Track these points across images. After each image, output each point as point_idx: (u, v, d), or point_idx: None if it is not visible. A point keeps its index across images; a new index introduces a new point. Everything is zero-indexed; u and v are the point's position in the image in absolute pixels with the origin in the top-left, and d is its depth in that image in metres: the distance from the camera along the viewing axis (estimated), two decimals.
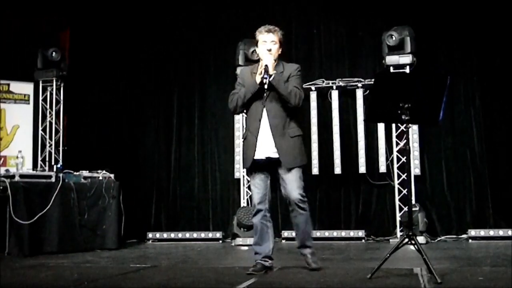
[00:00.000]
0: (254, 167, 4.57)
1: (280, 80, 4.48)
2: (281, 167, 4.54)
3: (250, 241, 7.50)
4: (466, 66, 8.07)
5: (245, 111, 4.77)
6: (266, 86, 4.48)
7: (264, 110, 4.51)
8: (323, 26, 8.56)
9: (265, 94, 4.50)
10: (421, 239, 7.13)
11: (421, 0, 8.15)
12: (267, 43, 4.55)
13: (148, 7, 8.97)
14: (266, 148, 4.51)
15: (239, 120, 8.32)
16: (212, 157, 8.75)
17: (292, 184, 4.53)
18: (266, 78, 4.39)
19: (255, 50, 7.88)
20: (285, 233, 7.94)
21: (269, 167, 4.60)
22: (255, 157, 4.52)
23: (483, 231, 7.53)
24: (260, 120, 4.51)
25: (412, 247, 4.23)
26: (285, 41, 8.56)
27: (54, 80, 8.64)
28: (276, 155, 4.51)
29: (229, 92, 8.35)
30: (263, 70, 4.41)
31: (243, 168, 4.78)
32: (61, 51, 8.61)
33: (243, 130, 8.23)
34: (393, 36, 7.64)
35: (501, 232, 7.45)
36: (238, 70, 8.20)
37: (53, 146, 8.65)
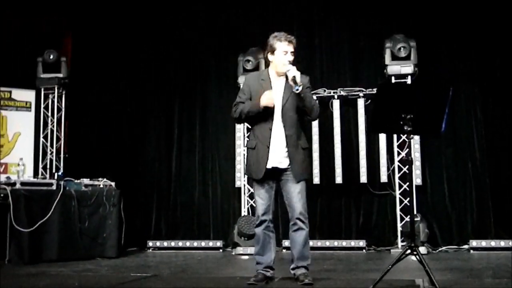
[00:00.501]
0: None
1: (307, 92, 4.51)
2: (286, 178, 4.54)
3: (250, 250, 7.49)
4: (467, 76, 8.06)
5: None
6: (273, 106, 4.49)
7: (276, 120, 4.51)
8: (325, 35, 8.57)
9: (280, 103, 4.51)
10: (422, 249, 7.09)
11: (422, 9, 8.17)
12: (288, 54, 4.55)
13: (149, 15, 8.98)
14: (275, 158, 4.51)
15: (240, 129, 8.32)
16: (213, 166, 8.74)
17: (297, 197, 4.52)
18: (297, 90, 4.38)
19: (248, 60, 8.07)
20: (286, 243, 7.90)
21: (273, 177, 4.58)
22: (268, 166, 4.50)
23: (484, 241, 7.50)
24: (271, 130, 4.50)
25: (413, 257, 4.22)
26: None
27: (56, 88, 8.65)
28: (282, 165, 4.51)
29: (231, 100, 8.31)
30: (291, 81, 4.41)
31: (254, 179, 4.65)
32: (63, 57, 8.61)
33: (244, 139, 8.23)
34: (401, 49, 7.63)
35: (502, 243, 7.42)
36: (240, 79, 8.23)
37: (54, 154, 8.64)
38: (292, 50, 4.57)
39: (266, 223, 4.58)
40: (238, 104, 4.64)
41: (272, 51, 4.60)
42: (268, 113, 4.50)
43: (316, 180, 8.02)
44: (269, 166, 4.50)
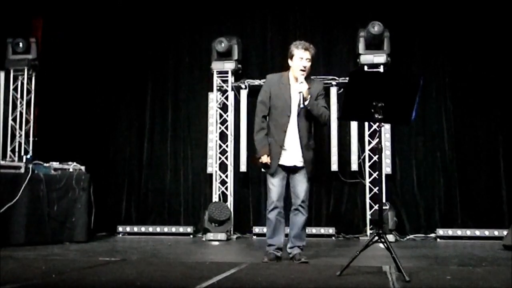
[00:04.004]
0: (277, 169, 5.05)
1: (314, 104, 4.95)
2: (300, 175, 5.04)
3: (221, 236, 7.54)
4: (438, 67, 8.18)
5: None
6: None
7: (291, 123, 4.98)
8: (299, 23, 8.57)
9: (296, 109, 4.96)
10: (390, 237, 7.20)
11: (396, 0, 8.22)
12: (303, 60, 4.96)
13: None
14: (294, 157, 5.02)
15: (213, 115, 8.30)
16: (185, 151, 8.70)
17: (302, 187, 5.05)
18: (302, 108, 4.88)
19: (221, 41, 8.03)
20: (256, 229, 7.96)
21: (288, 171, 5.08)
22: (284, 163, 5.02)
23: (451, 230, 7.66)
24: (285, 132, 4.99)
25: (381, 245, 4.27)
26: (262, 39, 8.61)
27: (26, 70, 8.51)
28: (301, 164, 5.02)
29: (204, 86, 8.30)
30: (300, 98, 4.86)
31: (268, 174, 5.16)
32: (33, 38, 8.46)
33: (217, 125, 8.23)
34: (376, 26, 7.63)
35: (468, 232, 7.59)
36: (214, 64, 8.20)
37: (23, 137, 8.52)
38: (308, 57, 4.97)
39: (278, 209, 5.06)
40: (261, 105, 5.12)
41: (291, 57, 5.04)
42: (284, 117, 4.99)
43: None
44: (290, 164, 5.01)
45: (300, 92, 4.87)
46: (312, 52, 5.01)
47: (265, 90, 5.15)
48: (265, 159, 5.03)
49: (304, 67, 4.94)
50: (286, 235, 5.23)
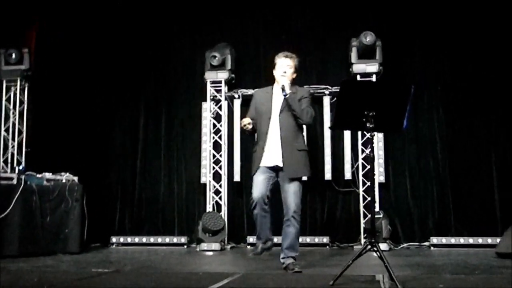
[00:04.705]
0: (260, 169, 5.14)
1: (295, 99, 5.12)
2: (282, 177, 5.10)
3: (215, 246, 7.53)
4: (430, 76, 8.22)
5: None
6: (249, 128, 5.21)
7: (272, 125, 5.14)
8: (292, 32, 8.60)
9: (278, 110, 5.14)
10: (384, 246, 7.21)
11: (388, 10, 8.28)
12: (283, 67, 5.21)
13: (116, 9, 8.86)
14: (274, 157, 5.11)
15: (207, 125, 8.31)
16: (179, 161, 8.69)
17: (291, 197, 5.08)
18: (284, 96, 5.08)
19: (214, 56, 8.08)
20: (250, 239, 7.94)
21: (275, 173, 5.14)
22: (265, 165, 5.12)
23: (444, 238, 7.67)
24: (266, 134, 5.14)
25: (375, 254, 4.28)
26: (255, 49, 8.61)
27: (18, 80, 8.50)
28: (281, 164, 5.09)
29: (197, 95, 8.39)
30: (281, 88, 5.10)
31: (251, 175, 5.30)
32: (26, 50, 8.45)
33: (210, 135, 8.24)
34: (368, 37, 7.66)
35: (462, 240, 7.60)
36: (207, 74, 8.23)
37: (15, 147, 8.49)
38: (289, 63, 5.22)
39: (260, 205, 5.06)
40: (247, 113, 5.40)
41: (274, 66, 5.31)
42: (266, 120, 5.16)
43: None
44: (270, 164, 5.10)
45: (282, 85, 5.08)
46: (295, 60, 5.26)
47: (252, 102, 5.44)
48: (244, 120, 5.20)
49: (285, 72, 5.17)
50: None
